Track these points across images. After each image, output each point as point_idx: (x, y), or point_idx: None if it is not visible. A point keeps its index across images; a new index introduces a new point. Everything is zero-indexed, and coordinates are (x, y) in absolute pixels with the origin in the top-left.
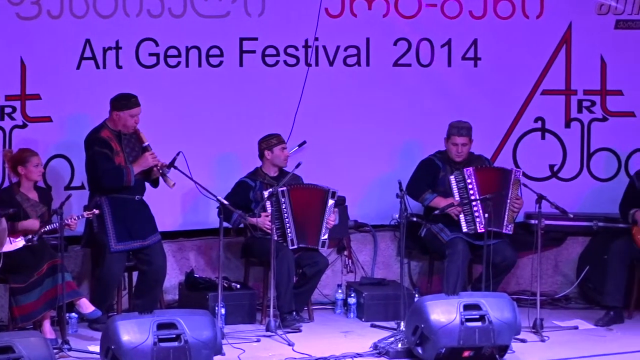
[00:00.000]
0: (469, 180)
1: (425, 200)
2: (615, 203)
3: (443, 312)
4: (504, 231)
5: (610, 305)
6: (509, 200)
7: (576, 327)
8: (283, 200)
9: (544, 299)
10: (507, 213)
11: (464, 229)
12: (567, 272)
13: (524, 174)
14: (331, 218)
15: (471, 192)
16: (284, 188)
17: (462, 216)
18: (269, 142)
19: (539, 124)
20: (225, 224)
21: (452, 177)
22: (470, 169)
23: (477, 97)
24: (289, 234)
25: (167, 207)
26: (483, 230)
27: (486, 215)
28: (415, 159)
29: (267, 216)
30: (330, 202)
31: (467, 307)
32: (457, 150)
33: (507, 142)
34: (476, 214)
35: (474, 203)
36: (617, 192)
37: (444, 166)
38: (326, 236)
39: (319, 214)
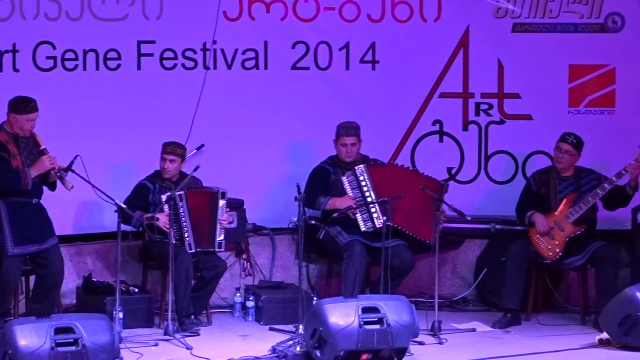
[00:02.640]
0: (361, 178)
1: (320, 205)
2: (512, 205)
3: (341, 315)
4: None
5: (508, 307)
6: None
7: (474, 330)
8: (181, 204)
9: (442, 302)
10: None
11: (362, 228)
12: (465, 275)
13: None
14: (223, 218)
15: (365, 189)
16: (182, 192)
17: (359, 215)
18: (163, 149)
19: (436, 127)
20: (124, 227)
21: (344, 178)
22: (362, 166)
23: (376, 100)
24: (187, 238)
25: (64, 210)
26: (381, 226)
27: (384, 217)
28: (314, 162)
29: (166, 216)
30: (221, 202)
31: (365, 310)
32: (346, 150)
33: (405, 145)
34: (373, 211)
35: (371, 205)
36: (515, 195)
37: (334, 169)
38: (221, 237)
39: (211, 216)
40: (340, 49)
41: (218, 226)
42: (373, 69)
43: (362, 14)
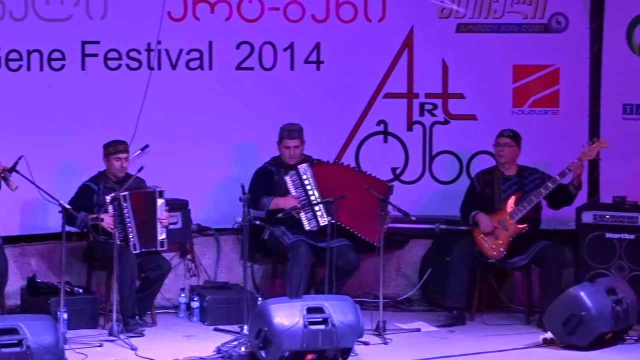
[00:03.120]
0: (304, 176)
1: (264, 205)
2: (457, 205)
3: (286, 315)
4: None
5: (452, 307)
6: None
7: (418, 330)
8: (125, 205)
9: (387, 302)
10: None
11: (307, 227)
12: (409, 275)
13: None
14: (163, 217)
15: (308, 188)
16: (126, 193)
17: (303, 214)
18: (106, 150)
19: (381, 127)
20: (68, 228)
21: (287, 177)
22: (305, 165)
23: (320, 101)
24: (132, 238)
25: (8, 211)
26: (325, 224)
27: (329, 217)
28: (257, 163)
29: (110, 217)
30: (160, 201)
31: (310, 310)
32: (289, 153)
33: (349, 145)
34: (317, 209)
35: (315, 205)
36: (459, 195)
37: (277, 170)
38: (163, 236)
39: (151, 215)
40: (285, 50)
41: (158, 225)
42: (318, 69)
43: (307, 15)
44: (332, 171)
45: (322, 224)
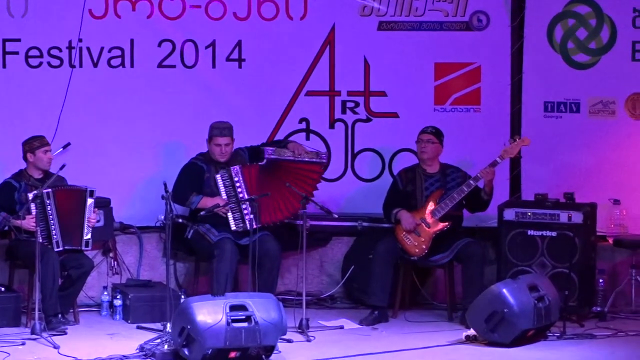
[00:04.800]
0: (236, 179)
1: (192, 204)
2: (379, 203)
3: (209, 313)
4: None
5: (375, 304)
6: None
7: (341, 327)
8: (48, 202)
9: (310, 299)
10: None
11: (233, 227)
12: (332, 272)
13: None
14: (92, 217)
15: (239, 189)
16: (49, 190)
17: (230, 214)
18: (31, 145)
19: (303, 125)
20: None
21: (218, 176)
22: (237, 167)
23: (242, 98)
24: (54, 236)
25: None
26: (255, 227)
27: (252, 215)
28: (180, 161)
29: (32, 218)
30: (90, 201)
31: (233, 308)
32: (220, 150)
33: None
34: (245, 211)
35: (243, 205)
36: (381, 192)
37: (208, 167)
38: (89, 236)
39: (80, 214)
40: (207, 47)
41: (86, 225)
42: (239, 67)
43: (228, 12)
44: (264, 173)
45: (249, 227)
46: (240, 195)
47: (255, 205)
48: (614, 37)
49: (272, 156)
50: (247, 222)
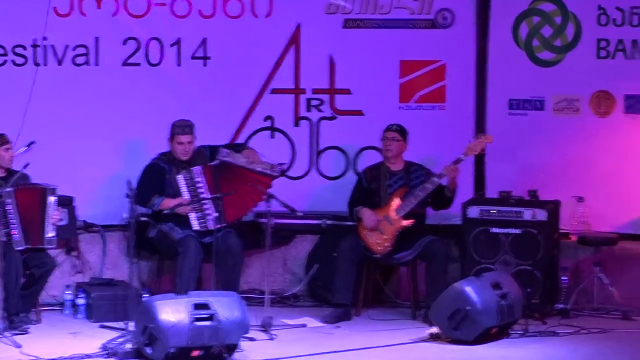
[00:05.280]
0: (198, 179)
1: (154, 205)
2: (344, 201)
3: (172, 311)
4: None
5: (339, 302)
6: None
7: (304, 325)
8: (9, 201)
9: (273, 298)
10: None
11: (195, 227)
12: (296, 270)
13: None
14: (55, 215)
15: (201, 190)
16: (10, 189)
17: (192, 214)
18: None
19: (268, 123)
20: None
21: (180, 177)
22: (199, 167)
23: (207, 96)
24: (15, 235)
25: None
26: (217, 226)
27: (217, 214)
28: (144, 159)
29: None
30: (52, 199)
31: (196, 307)
32: (183, 149)
33: (236, 141)
34: (207, 211)
35: (205, 205)
36: (346, 190)
37: (169, 167)
38: (52, 234)
39: (41, 213)
40: (172, 45)
41: (48, 223)
42: (205, 64)
43: (194, 10)
44: (226, 172)
45: (211, 227)
46: (202, 195)
47: (220, 203)
48: (578, 34)
49: (224, 158)
50: (209, 222)
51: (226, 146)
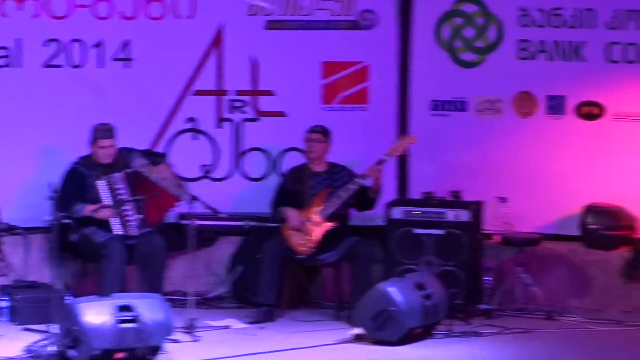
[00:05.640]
0: (118, 186)
1: (76, 213)
2: (267, 203)
3: (96, 314)
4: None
5: (263, 304)
6: None
7: (228, 327)
8: None
9: (197, 299)
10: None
11: (116, 232)
12: (220, 272)
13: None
14: None
15: (122, 196)
16: None
17: (114, 219)
18: None
19: (191, 125)
20: None
21: (100, 183)
22: (119, 174)
23: (130, 98)
24: None
25: None
26: (137, 234)
27: (140, 216)
28: (67, 162)
29: None
30: None
31: (120, 309)
32: (105, 152)
33: (159, 143)
34: (129, 217)
35: (125, 207)
36: (269, 192)
37: (90, 172)
38: None
39: None
40: (94, 47)
41: None
42: (127, 67)
43: (116, 12)
44: (145, 180)
45: (134, 234)
46: (123, 200)
47: (142, 206)
48: (500, 36)
49: (140, 169)
50: (131, 227)
51: (146, 152)
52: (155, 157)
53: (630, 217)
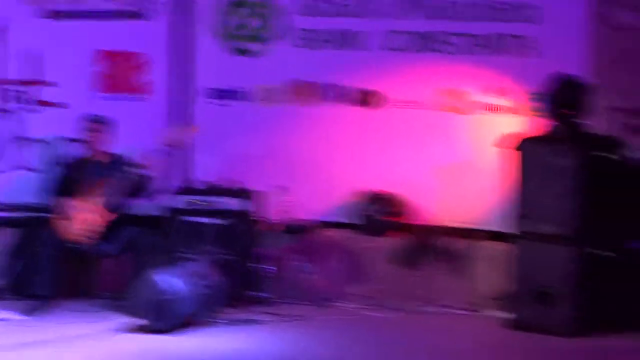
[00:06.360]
0: None
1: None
2: (45, 193)
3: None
4: None
5: (39, 295)
6: None
7: (6, 320)
8: None
9: None
10: None
11: None
12: None
13: None
14: None
15: None
16: None
17: None
18: None
19: None
20: None
21: None
22: None
23: None
24: None
25: None
26: None
27: None
28: None
29: None
30: None
31: None
32: None
33: None
34: None
35: None
36: (48, 182)
37: None
38: None
39: None
40: None
41: None
42: None
43: None
44: None
45: None
46: None
47: None
48: (284, 25)
49: None
50: None
51: None
52: None
53: (400, 203)
